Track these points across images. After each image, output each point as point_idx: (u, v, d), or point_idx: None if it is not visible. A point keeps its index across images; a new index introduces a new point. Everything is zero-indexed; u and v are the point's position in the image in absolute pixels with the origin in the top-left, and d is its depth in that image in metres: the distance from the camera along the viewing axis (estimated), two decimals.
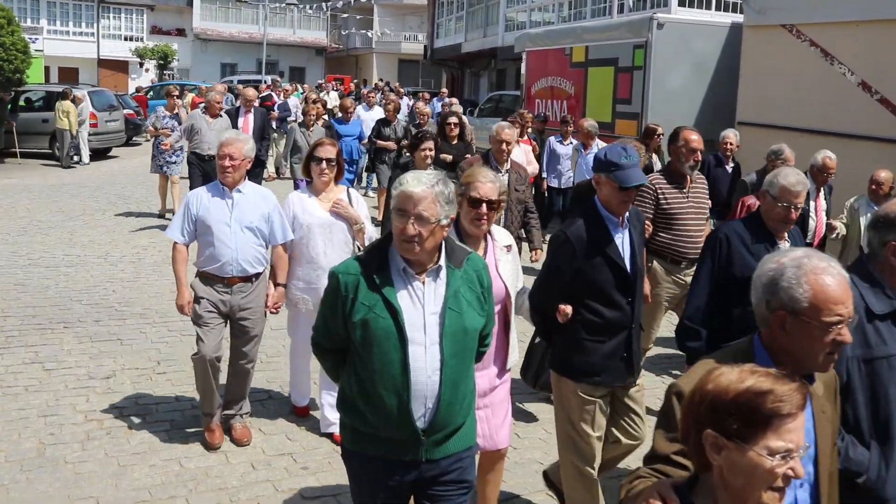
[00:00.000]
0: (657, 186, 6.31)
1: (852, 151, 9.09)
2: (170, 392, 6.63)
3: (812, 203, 7.49)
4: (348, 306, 3.15)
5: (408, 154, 13.60)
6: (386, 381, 3.12)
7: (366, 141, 14.29)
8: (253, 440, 5.80)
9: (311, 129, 12.27)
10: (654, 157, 10.30)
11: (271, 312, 5.77)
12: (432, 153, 7.45)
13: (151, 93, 32.60)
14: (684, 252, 6.35)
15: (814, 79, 10.23)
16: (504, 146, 7.27)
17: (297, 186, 11.63)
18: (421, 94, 28.16)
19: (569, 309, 4.25)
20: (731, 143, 9.38)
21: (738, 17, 12.86)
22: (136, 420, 6.06)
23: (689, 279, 5.92)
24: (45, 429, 5.85)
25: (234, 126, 12.53)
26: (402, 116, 17.98)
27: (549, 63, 16.23)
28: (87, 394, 6.50)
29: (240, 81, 31.90)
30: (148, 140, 14.13)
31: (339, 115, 14.80)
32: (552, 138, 13.07)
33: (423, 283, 3.17)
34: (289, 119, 19.82)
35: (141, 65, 48.75)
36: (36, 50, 27.83)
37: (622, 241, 4.30)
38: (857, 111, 9.70)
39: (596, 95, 14.42)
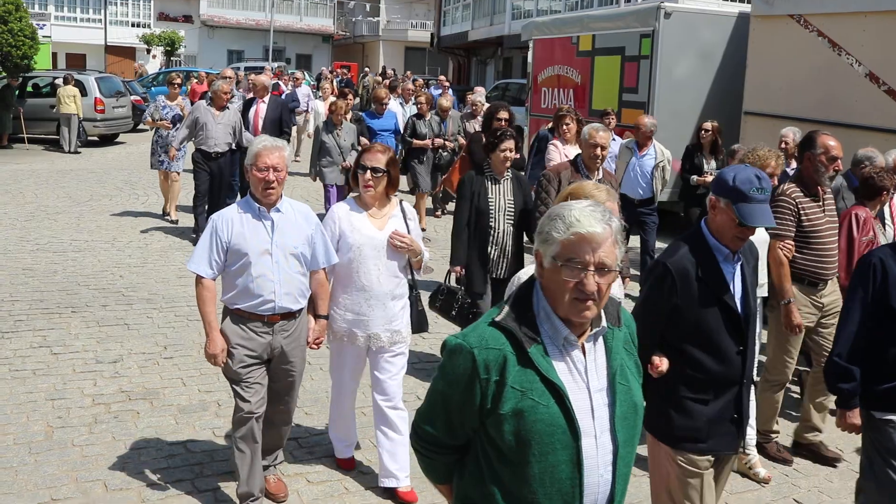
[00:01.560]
0: (796, 200, 5.55)
1: (859, 142, 9.08)
2: (176, 376, 6.67)
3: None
4: (491, 393, 2.36)
5: (445, 153, 12.87)
6: (549, 489, 2.38)
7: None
8: None
9: (340, 126, 11.29)
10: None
11: (311, 348, 4.87)
12: (514, 154, 6.39)
13: (155, 81, 32.58)
14: (823, 273, 5.65)
15: (821, 69, 10.22)
16: (598, 151, 6.35)
17: (326, 193, 11.38)
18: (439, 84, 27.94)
19: (664, 365, 3.60)
20: (789, 143, 8.62)
21: (746, 7, 12.82)
22: (142, 404, 6.11)
23: (825, 300, 5.67)
24: (53, 412, 5.90)
25: (246, 118, 12.00)
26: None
27: (556, 52, 16.20)
28: (95, 378, 6.55)
29: (246, 68, 31.83)
30: (149, 130, 13.06)
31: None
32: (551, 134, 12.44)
33: (584, 351, 2.44)
34: (298, 110, 18.77)
35: (148, 51, 48.76)
36: (44, 36, 27.95)
37: (733, 276, 3.65)
38: (864, 102, 9.69)
39: (602, 84, 14.40)
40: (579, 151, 9.18)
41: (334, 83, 27.33)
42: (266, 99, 12.39)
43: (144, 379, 6.59)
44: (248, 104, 12.45)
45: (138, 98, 25.38)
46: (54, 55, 41.84)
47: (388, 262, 4.84)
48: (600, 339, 2.48)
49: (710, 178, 9.43)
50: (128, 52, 49.76)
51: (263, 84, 12.68)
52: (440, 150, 12.80)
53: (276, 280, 4.51)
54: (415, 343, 5.99)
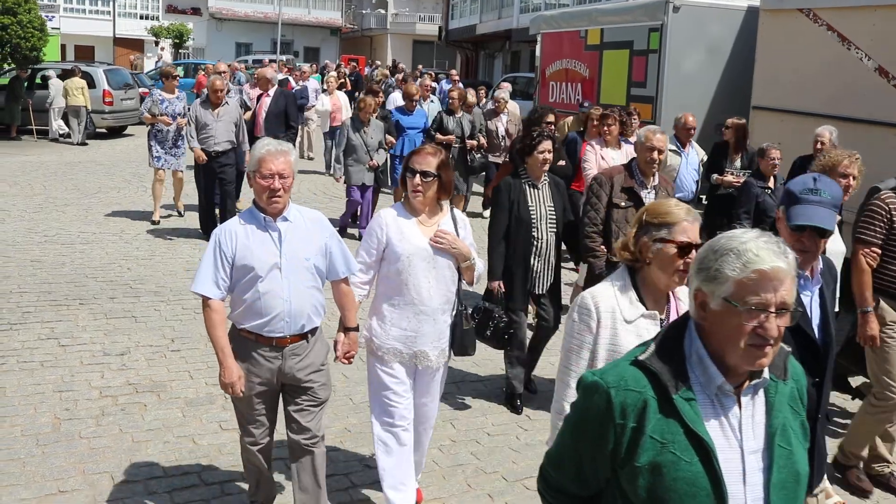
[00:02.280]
0: (891, 206, 5.21)
1: (868, 137, 9.05)
2: (183, 369, 6.69)
3: None
4: (626, 440, 2.10)
5: (480, 154, 12.47)
6: None
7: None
8: None
9: (368, 124, 10.97)
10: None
11: (342, 362, 4.45)
12: (552, 156, 6.02)
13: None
14: None
15: (830, 63, 10.17)
16: (655, 155, 5.90)
17: (349, 194, 11.08)
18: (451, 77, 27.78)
19: None
20: (825, 142, 8.25)
21: (755, 1, 12.76)
22: (150, 396, 6.13)
23: None
24: (61, 404, 5.92)
25: (254, 111, 11.80)
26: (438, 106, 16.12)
27: (564, 45, 16.17)
28: (102, 370, 6.57)
29: (254, 61, 31.79)
30: (146, 126, 12.31)
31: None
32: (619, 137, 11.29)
33: (740, 405, 2.13)
34: (307, 106, 18.30)
35: (156, 44, 48.80)
36: (52, 28, 27.96)
37: (810, 302, 3.45)
38: (873, 96, 9.64)
39: (611, 78, 14.37)
40: (619, 154, 8.72)
41: (343, 76, 27.11)
42: (271, 92, 12.08)
43: (152, 371, 6.61)
44: (256, 98, 12.17)
45: (146, 90, 25.38)
46: (63, 47, 41.88)
47: (440, 273, 4.39)
48: (760, 393, 2.17)
49: (729, 178, 9.08)
50: (136, 45, 49.81)
51: (266, 77, 12.30)
52: (472, 152, 12.38)
53: (286, 297, 4.05)
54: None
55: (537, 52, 17.72)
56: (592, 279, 5.65)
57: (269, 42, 50.10)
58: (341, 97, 17.35)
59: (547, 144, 5.91)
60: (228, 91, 11.65)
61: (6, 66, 21.59)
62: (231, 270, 4.06)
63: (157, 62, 40.37)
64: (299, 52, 53.09)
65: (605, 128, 8.87)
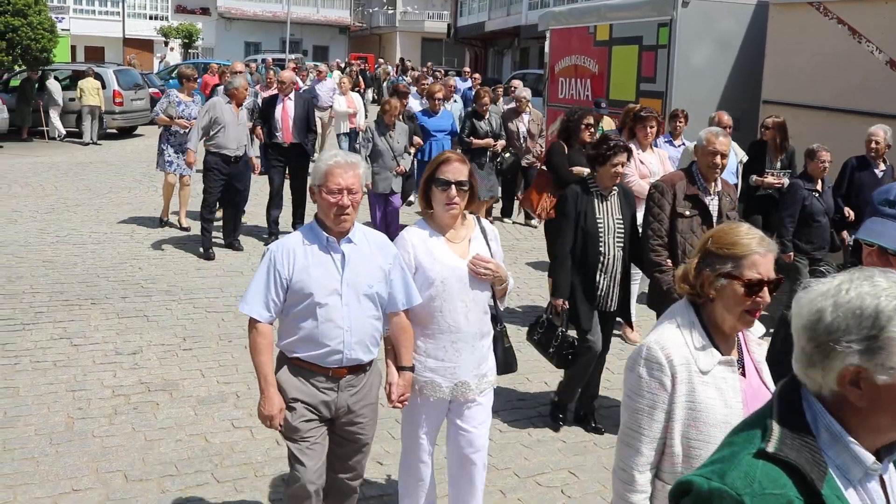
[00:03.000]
0: None
1: None
2: (195, 368, 6.71)
3: None
4: None
5: (507, 153, 11.76)
6: None
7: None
8: None
9: (393, 127, 10.28)
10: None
11: (394, 407, 4.01)
12: (624, 169, 5.74)
13: (174, 74, 32.64)
14: None
15: (840, 57, 10.12)
16: (718, 160, 5.49)
17: (371, 203, 10.32)
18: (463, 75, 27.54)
19: None
20: (879, 143, 7.96)
21: None
22: (162, 395, 6.15)
23: None
24: (74, 403, 5.95)
25: (270, 116, 10.88)
26: (459, 106, 15.48)
27: (573, 41, 16.12)
28: (115, 369, 6.59)
29: (262, 60, 31.76)
30: (159, 128, 11.69)
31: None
32: (660, 138, 9.69)
33: (883, 484, 1.80)
34: (320, 106, 17.18)
35: (166, 44, 48.93)
36: (62, 29, 28.07)
37: None
38: (885, 90, 9.59)
39: (620, 74, 14.33)
40: (654, 157, 8.11)
41: (356, 74, 26.89)
42: (292, 96, 11.22)
43: (164, 370, 6.63)
44: (271, 102, 11.23)
45: (156, 91, 25.46)
46: (73, 48, 42.04)
47: (475, 295, 4.01)
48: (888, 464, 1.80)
49: (770, 179, 8.68)
50: (146, 45, 49.95)
51: (291, 80, 11.52)
52: (501, 153, 11.88)
53: (345, 326, 3.71)
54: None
55: (546, 49, 17.66)
56: (660, 296, 5.41)
57: (277, 41, 50.12)
58: (355, 98, 16.85)
59: (622, 157, 5.55)
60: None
61: (17, 68, 21.69)
62: (285, 293, 3.70)
63: (159, 62, 40.32)
64: (308, 50, 53.13)
65: (646, 130, 8.14)
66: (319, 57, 48.45)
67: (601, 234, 5.58)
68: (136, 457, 5.24)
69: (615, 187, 5.70)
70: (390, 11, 55.46)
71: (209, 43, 51.76)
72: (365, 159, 9.67)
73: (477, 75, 24.22)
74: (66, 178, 15.47)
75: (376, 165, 10.03)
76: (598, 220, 5.59)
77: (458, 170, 3.92)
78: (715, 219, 5.50)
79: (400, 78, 27.66)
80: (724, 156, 5.54)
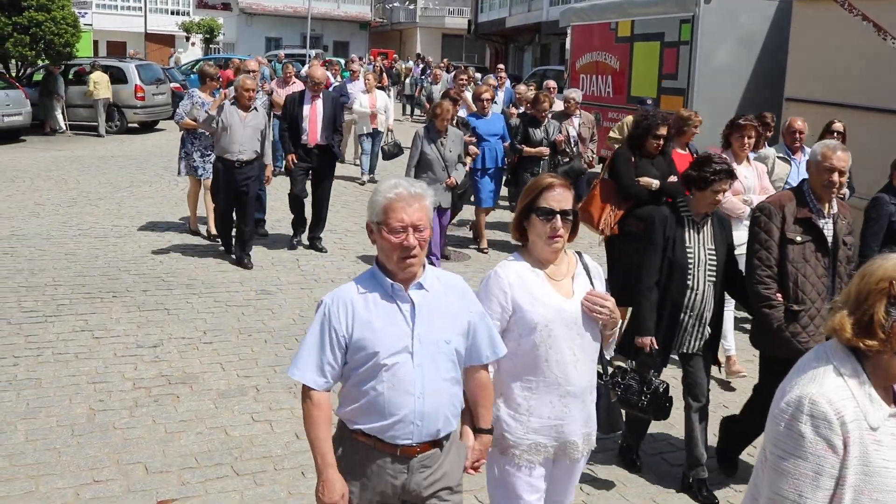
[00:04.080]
0: None
1: None
2: (216, 361, 6.73)
3: None
4: None
5: (566, 158, 10.57)
6: None
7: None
8: (297, 410, 5.88)
9: (446, 134, 9.31)
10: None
11: (470, 473, 3.38)
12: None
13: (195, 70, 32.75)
14: None
15: (865, 54, 10.02)
16: (836, 177, 4.76)
17: None
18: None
19: None
20: None
21: None
22: (182, 388, 6.18)
23: None
24: (95, 395, 5.99)
25: (298, 116, 9.95)
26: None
27: (595, 38, 16.09)
28: (136, 362, 6.63)
29: (287, 55, 31.81)
30: (180, 130, 10.87)
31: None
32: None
33: None
34: (348, 106, 15.45)
35: (187, 39, 49.17)
36: (85, 24, 28.25)
37: None
38: None
39: (641, 71, 14.28)
40: (750, 171, 7.02)
41: (380, 71, 26.48)
42: (321, 94, 10.29)
43: (184, 363, 6.66)
44: (297, 100, 10.17)
45: (178, 85, 25.59)
46: (95, 43, 42.32)
47: (585, 341, 3.42)
48: None
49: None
50: (167, 40, 50.20)
51: (321, 78, 10.40)
52: (558, 156, 10.72)
53: (417, 392, 3.03)
54: None
55: (567, 45, 17.65)
56: (769, 335, 4.75)
57: (298, 36, 50.23)
58: (380, 96, 15.66)
59: (725, 184, 4.86)
60: (256, 92, 10.00)
61: (40, 62, 21.87)
62: (345, 354, 3.06)
63: (169, 57, 40.39)
64: (328, 46, 53.22)
65: (744, 140, 7.00)
66: (340, 52, 48.49)
67: (690, 267, 4.90)
68: (156, 449, 5.26)
69: (710, 214, 5.01)
70: (411, 7, 55.46)
71: (230, 38, 51.98)
72: (412, 170, 9.19)
73: (501, 69, 23.43)
74: (88, 172, 15.57)
75: (424, 176, 9.00)
76: (688, 251, 4.92)
77: (562, 197, 3.36)
78: (830, 245, 4.83)
79: (423, 78, 27.43)
80: (842, 173, 4.81)
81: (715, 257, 4.94)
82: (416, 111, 28.46)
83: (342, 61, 28.02)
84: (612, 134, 11.20)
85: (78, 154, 18.05)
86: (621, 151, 7.31)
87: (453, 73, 20.35)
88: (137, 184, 14.55)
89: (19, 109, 19.72)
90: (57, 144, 19.58)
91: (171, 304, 8.08)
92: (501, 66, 21.63)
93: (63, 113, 21.51)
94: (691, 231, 4.95)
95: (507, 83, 19.93)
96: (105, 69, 21.83)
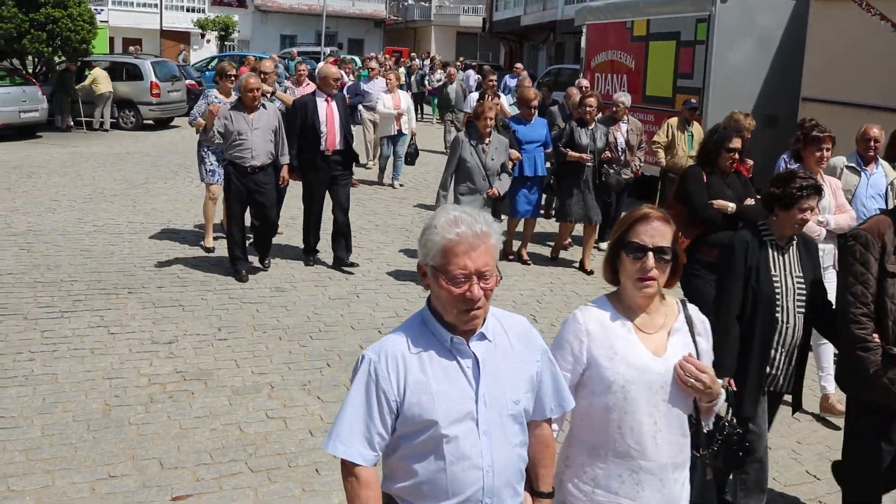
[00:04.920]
0: None
1: None
2: (230, 358, 6.76)
3: None
4: None
5: (612, 170, 10.08)
6: None
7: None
8: (311, 407, 5.91)
9: (488, 140, 8.59)
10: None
11: None
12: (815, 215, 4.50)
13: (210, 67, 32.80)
14: None
15: (883, 53, 9.97)
16: None
17: None
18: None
19: None
20: None
21: None
22: (197, 384, 6.20)
23: None
24: (111, 391, 6.01)
25: (312, 120, 9.15)
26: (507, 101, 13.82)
27: (610, 37, 16.05)
28: (151, 358, 6.66)
29: (300, 53, 31.85)
30: (196, 133, 10.30)
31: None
32: (784, 156, 7.83)
33: None
34: (366, 105, 15.76)
35: (202, 36, 49.32)
36: (101, 21, 28.37)
37: None
38: None
39: (657, 70, 14.23)
40: (825, 188, 6.02)
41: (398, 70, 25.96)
42: (335, 94, 9.60)
43: (199, 360, 6.68)
44: (310, 104, 9.33)
45: (193, 82, 25.68)
46: (111, 40, 42.48)
47: (671, 410, 2.89)
48: None
49: None
50: (182, 37, 50.34)
51: (334, 76, 9.69)
52: (605, 166, 10.13)
53: (485, 465, 2.53)
54: None
55: (582, 44, 17.59)
56: (862, 380, 4.14)
57: (313, 34, 50.27)
58: (403, 97, 15.10)
59: (813, 201, 4.33)
60: (262, 94, 9.13)
61: (56, 59, 22.00)
62: (394, 421, 2.53)
63: (178, 55, 40.35)
64: (343, 44, 53.27)
65: (821, 153, 6.26)
66: (355, 50, 48.55)
67: (778, 297, 4.35)
68: (171, 444, 5.28)
69: (795, 237, 4.46)
70: (426, 5, 55.45)
71: (245, 35, 52.06)
72: (449, 178, 8.52)
73: (520, 68, 21.79)
74: (104, 169, 15.64)
75: (462, 186, 8.41)
76: (773, 279, 4.36)
77: (657, 231, 2.86)
78: None
79: (437, 77, 27.19)
80: None
81: (804, 285, 4.39)
82: (426, 109, 28.21)
83: (356, 59, 27.86)
84: (656, 138, 10.93)
85: (93, 150, 18.14)
86: (692, 170, 6.52)
87: (480, 74, 19.75)
88: (153, 180, 14.61)
89: (36, 106, 19.85)
90: (73, 141, 19.68)
91: (186, 301, 8.11)
92: (519, 65, 21.40)
93: (80, 109, 21.66)
94: (776, 257, 4.41)
95: (508, 78, 19.91)
96: (122, 66, 22.01)
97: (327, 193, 9.50)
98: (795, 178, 4.39)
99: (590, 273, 9.80)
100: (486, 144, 8.46)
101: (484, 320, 2.57)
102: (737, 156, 6.28)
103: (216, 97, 9.78)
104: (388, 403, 2.49)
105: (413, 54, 38.95)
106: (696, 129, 11.16)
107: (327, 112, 9.28)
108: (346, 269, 9.40)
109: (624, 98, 10.97)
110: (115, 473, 4.91)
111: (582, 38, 17.63)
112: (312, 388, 6.22)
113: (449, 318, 2.52)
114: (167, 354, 6.75)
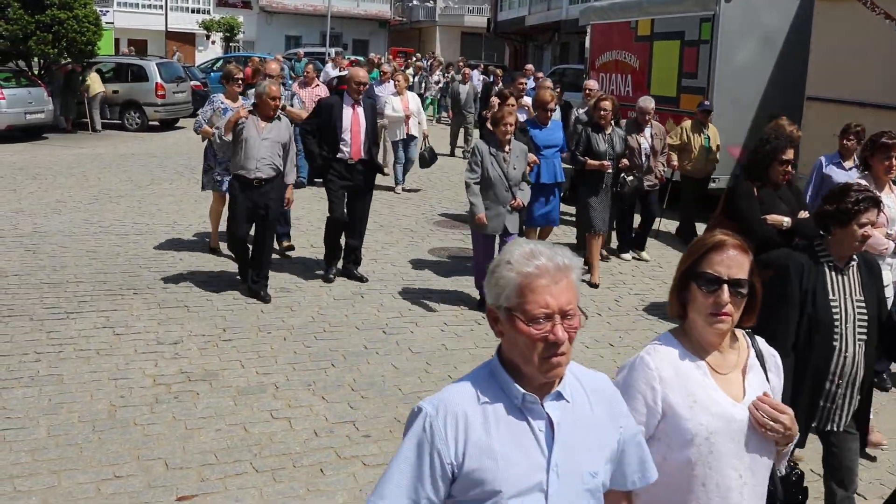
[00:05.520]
0: None
1: None
2: (235, 358, 6.77)
3: None
4: None
5: (630, 177, 9.41)
6: None
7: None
8: (315, 407, 5.92)
9: (508, 148, 7.91)
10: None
11: None
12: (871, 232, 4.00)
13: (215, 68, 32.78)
14: None
15: (888, 52, 9.95)
16: None
17: (476, 247, 8.14)
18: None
19: None
20: None
21: None
22: (202, 385, 6.22)
23: None
24: (116, 391, 6.03)
25: (336, 126, 8.51)
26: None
27: (614, 36, 16.05)
28: (156, 358, 6.67)
29: (307, 54, 31.79)
30: (202, 140, 9.80)
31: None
32: (823, 158, 7.79)
33: None
34: (381, 112, 13.55)
35: (207, 37, 49.42)
36: (107, 22, 28.45)
37: None
38: None
39: (661, 70, 14.23)
40: (892, 199, 5.87)
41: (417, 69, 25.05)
42: (362, 100, 8.82)
43: (204, 360, 6.70)
44: (335, 106, 8.66)
45: (198, 83, 25.73)
46: (116, 41, 42.58)
47: (755, 461, 2.62)
48: None
49: None
50: (188, 38, 50.45)
51: (361, 80, 8.79)
52: (623, 174, 9.56)
53: None
54: None
55: (587, 44, 17.61)
56: None
57: (318, 35, 50.29)
58: (412, 99, 14.32)
59: (872, 214, 3.97)
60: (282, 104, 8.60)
61: (62, 60, 22.06)
62: (449, 487, 2.18)
63: (172, 55, 40.16)
64: (348, 44, 53.30)
65: (890, 161, 5.90)
66: (359, 51, 48.55)
67: (836, 324, 3.95)
68: (176, 445, 5.30)
69: (854, 256, 4.08)
70: (430, 6, 55.46)
71: (250, 36, 52.13)
72: (470, 189, 7.87)
73: (539, 74, 21.05)
74: (110, 170, 15.67)
75: (485, 198, 7.83)
76: (832, 304, 3.96)
77: (735, 261, 2.58)
78: None
79: (434, 79, 26.89)
80: None
81: (865, 310, 3.99)
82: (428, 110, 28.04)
83: (361, 59, 27.74)
84: (669, 141, 10.86)
85: (99, 152, 18.18)
86: (742, 185, 6.06)
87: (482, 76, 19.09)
88: (158, 181, 14.64)
89: (42, 107, 19.92)
90: (78, 142, 19.74)
91: (191, 302, 8.12)
92: (530, 66, 21.20)
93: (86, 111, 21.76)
94: (834, 279, 4.02)
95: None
96: (127, 67, 22.12)
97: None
98: (850, 191, 4.04)
99: (595, 287, 9.20)
100: (507, 153, 7.86)
101: (561, 377, 2.22)
102: (790, 168, 5.90)
103: (222, 102, 9.28)
104: (443, 466, 2.14)
105: (416, 55, 38.91)
106: (713, 132, 11.11)
107: (353, 118, 8.63)
108: (357, 275, 9.07)
109: (649, 103, 10.52)
110: (121, 474, 4.93)
111: (586, 37, 17.64)
112: (317, 389, 6.24)
113: (528, 370, 2.16)
114: (172, 355, 6.77)
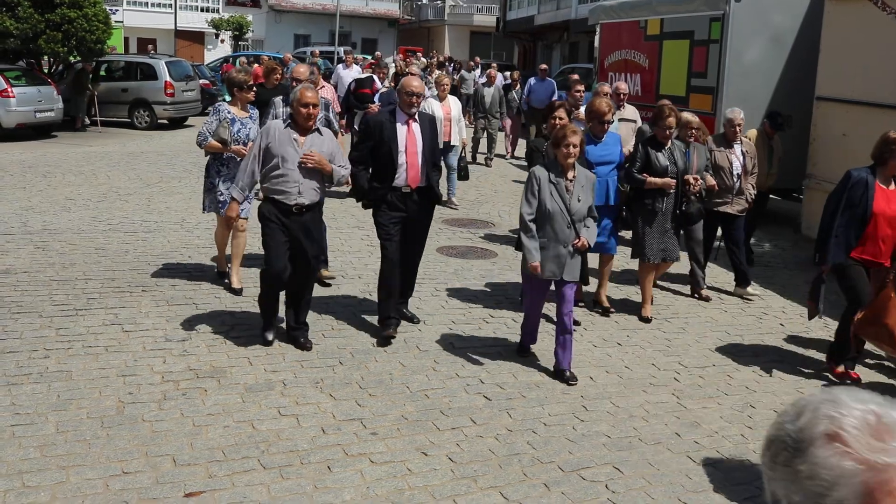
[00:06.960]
0: None
1: None
2: (243, 355, 6.78)
3: None
4: None
5: (695, 198, 8.06)
6: None
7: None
8: (323, 405, 5.93)
9: (572, 177, 6.46)
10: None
11: None
12: None
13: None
14: None
15: None
16: None
17: (530, 299, 6.81)
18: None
19: None
20: None
21: None
22: (210, 382, 6.23)
23: None
24: (124, 388, 6.05)
25: (388, 149, 7.00)
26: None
27: (624, 36, 16.03)
28: (164, 355, 6.69)
29: (321, 52, 31.70)
30: (206, 156, 8.58)
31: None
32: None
33: None
34: None
35: (216, 36, 49.52)
36: (116, 21, 28.55)
37: None
38: None
39: (671, 69, 14.21)
40: None
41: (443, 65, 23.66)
42: (416, 114, 7.23)
43: (212, 357, 6.71)
44: (386, 122, 7.12)
45: (206, 82, 25.79)
46: (126, 40, 42.76)
47: None
48: None
49: None
50: (197, 37, 50.58)
51: (417, 90, 7.15)
52: (697, 194, 8.16)
53: None
54: None
55: (596, 43, 17.59)
56: None
57: (326, 33, 50.39)
58: (454, 104, 12.69)
59: None
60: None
61: (72, 59, 22.16)
62: None
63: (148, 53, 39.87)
64: (357, 43, 53.35)
65: None
66: (368, 50, 48.59)
67: None
68: (184, 442, 5.31)
69: None
70: (439, 4, 55.47)
71: (259, 35, 52.24)
72: (525, 227, 6.42)
73: (545, 70, 20.38)
74: (118, 168, 15.72)
75: (542, 235, 6.38)
76: None
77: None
78: None
79: (424, 75, 26.18)
80: None
81: None
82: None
83: (367, 57, 27.61)
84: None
85: (108, 150, 18.24)
86: None
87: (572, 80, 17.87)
88: (167, 179, 14.67)
89: (51, 106, 20.00)
90: (87, 140, 19.80)
91: (200, 299, 8.14)
92: (544, 66, 20.91)
93: (95, 109, 21.83)
94: None
95: (533, 80, 19.53)
96: (136, 66, 22.20)
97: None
98: None
99: (647, 321, 8.14)
100: (570, 181, 6.40)
101: None
102: None
103: (229, 112, 8.22)
104: None
105: (418, 54, 38.91)
106: (777, 144, 10.34)
107: (409, 136, 7.12)
108: (409, 315, 7.78)
109: (737, 114, 9.01)
110: (129, 470, 4.94)
111: (595, 37, 17.63)
112: (325, 386, 6.25)
113: None
114: (181, 352, 6.79)
